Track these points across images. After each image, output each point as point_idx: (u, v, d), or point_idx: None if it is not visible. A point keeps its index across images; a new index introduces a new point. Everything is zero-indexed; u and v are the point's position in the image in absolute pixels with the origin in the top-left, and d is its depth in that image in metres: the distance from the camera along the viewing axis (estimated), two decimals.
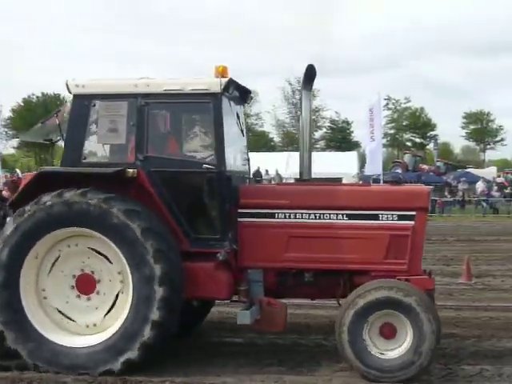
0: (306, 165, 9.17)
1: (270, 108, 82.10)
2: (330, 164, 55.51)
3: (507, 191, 43.72)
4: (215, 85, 8.61)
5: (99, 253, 8.59)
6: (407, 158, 58.00)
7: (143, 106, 8.71)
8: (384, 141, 71.30)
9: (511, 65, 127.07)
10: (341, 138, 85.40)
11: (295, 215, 8.84)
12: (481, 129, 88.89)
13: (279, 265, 8.90)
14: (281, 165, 45.93)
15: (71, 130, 8.96)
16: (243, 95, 9.56)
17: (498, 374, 8.33)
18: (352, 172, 56.57)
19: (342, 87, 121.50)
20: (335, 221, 8.78)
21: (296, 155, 9.57)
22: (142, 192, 8.57)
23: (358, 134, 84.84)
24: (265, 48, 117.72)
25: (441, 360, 8.86)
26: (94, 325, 8.62)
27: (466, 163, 74.52)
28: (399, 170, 52.29)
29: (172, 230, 8.59)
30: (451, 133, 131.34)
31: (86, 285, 8.65)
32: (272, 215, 8.87)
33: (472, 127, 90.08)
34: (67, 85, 9.02)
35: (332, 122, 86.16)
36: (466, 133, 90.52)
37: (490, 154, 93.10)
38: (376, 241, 8.68)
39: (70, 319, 8.69)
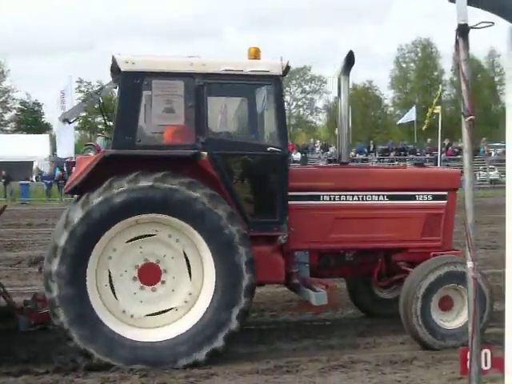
0: (344, 148, 9.43)
1: None
2: (21, 147, 54.39)
3: None
4: (277, 67, 8.53)
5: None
6: (99, 140, 58.56)
7: (201, 86, 8.32)
8: (76, 123, 70.54)
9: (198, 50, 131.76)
10: (32, 120, 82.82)
11: (339, 197, 9.11)
12: None
13: (324, 246, 9.12)
14: None
15: (122, 110, 8.26)
16: None
17: None
18: (44, 155, 55.91)
19: (31, 68, 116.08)
20: (376, 202, 9.23)
21: None
22: (203, 175, 8.21)
23: (49, 116, 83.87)
24: None
25: None
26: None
27: None
28: (92, 153, 52.61)
29: None
30: None
31: (149, 275, 8.12)
32: (317, 197, 9.05)
33: None
34: (115, 60, 8.31)
35: (22, 103, 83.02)
36: None
37: None
38: (413, 220, 9.31)
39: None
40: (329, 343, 8.98)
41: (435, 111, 45.63)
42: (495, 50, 75.93)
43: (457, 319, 8.79)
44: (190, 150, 8.12)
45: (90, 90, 67.07)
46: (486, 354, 5.27)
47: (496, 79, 77.21)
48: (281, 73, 8.52)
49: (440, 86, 57.09)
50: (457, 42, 4.90)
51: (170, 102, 8.40)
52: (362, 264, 9.41)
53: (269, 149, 8.49)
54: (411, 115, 57.55)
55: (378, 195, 9.22)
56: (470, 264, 5.23)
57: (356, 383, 7.44)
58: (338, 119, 9.42)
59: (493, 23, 4.78)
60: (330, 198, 9.09)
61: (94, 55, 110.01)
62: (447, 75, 77.31)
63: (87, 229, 7.71)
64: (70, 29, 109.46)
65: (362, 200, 9.18)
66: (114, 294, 8.05)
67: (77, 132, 70.52)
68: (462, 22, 4.82)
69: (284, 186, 8.59)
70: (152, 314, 8.12)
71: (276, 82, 8.52)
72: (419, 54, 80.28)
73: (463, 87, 4.98)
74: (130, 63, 8.27)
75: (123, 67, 8.25)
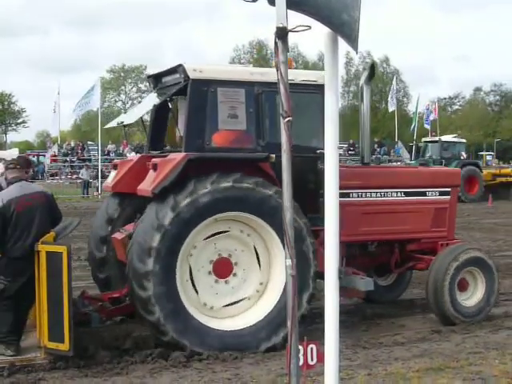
0: (366, 150, 10.44)
1: None
2: None
3: None
4: (323, 77, 9.37)
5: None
6: None
7: (260, 94, 9.06)
8: None
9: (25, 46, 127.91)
10: None
11: (366, 194, 10.14)
12: (2, 110, 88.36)
13: (353, 238, 10.07)
14: None
15: (192, 115, 8.83)
16: None
17: None
18: None
19: None
20: (395, 198, 10.36)
21: None
22: (263, 175, 8.92)
23: None
24: None
25: None
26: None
27: None
28: None
29: None
30: None
31: (222, 269, 8.82)
32: (347, 195, 10.00)
33: None
34: (184, 68, 8.85)
35: None
36: None
37: (12, 136, 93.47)
38: (425, 213, 10.53)
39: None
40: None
41: None
42: (323, 54, 79.56)
43: (471, 298, 10.09)
44: (258, 153, 8.88)
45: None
46: (311, 349, 5.27)
47: None
48: None
49: None
50: (276, 44, 4.83)
51: (233, 108, 8.99)
52: (381, 254, 10.49)
53: (318, 151, 9.33)
54: None
55: (397, 192, 10.34)
56: (288, 262, 5.05)
57: (187, 383, 7.52)
58: (361, 124, 10.39)
59: (310, 27, 4.72)
60: (358, 195, 10.08)
61: None
62: None
63: (177, 228, 8.30)
64: None
65: (384, 196, 10.26)
66: (195, 288, 8.69)
67: None
68: (281, 25, 4.74)
69: None
70: (228, 305, 8.84)
71: (322, 91, 9.34)
72: (255, 56, 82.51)
73: (281, 89, 4.92)
74: (198, 71, 8.87)
75: (192, 75, 8.83)
